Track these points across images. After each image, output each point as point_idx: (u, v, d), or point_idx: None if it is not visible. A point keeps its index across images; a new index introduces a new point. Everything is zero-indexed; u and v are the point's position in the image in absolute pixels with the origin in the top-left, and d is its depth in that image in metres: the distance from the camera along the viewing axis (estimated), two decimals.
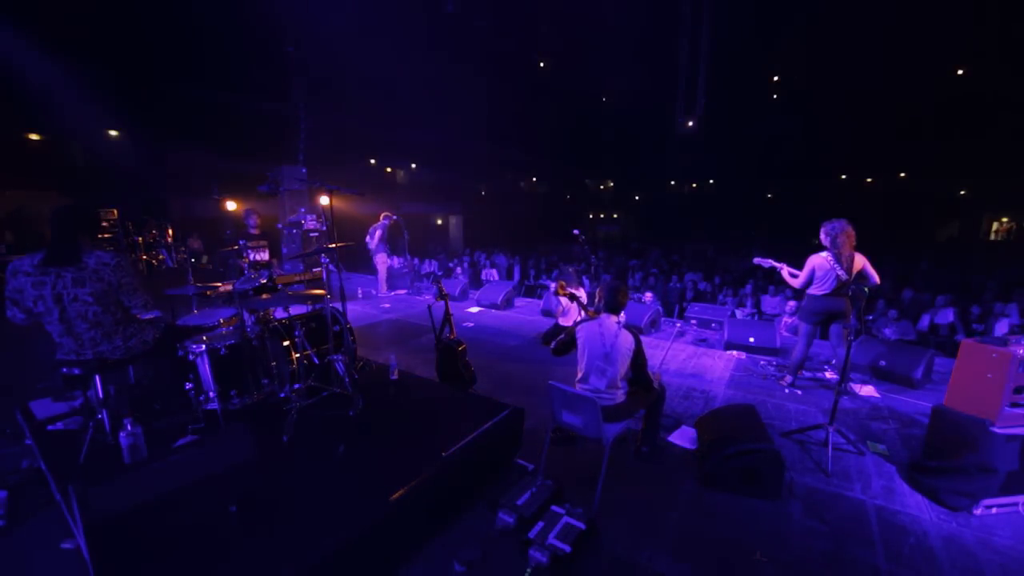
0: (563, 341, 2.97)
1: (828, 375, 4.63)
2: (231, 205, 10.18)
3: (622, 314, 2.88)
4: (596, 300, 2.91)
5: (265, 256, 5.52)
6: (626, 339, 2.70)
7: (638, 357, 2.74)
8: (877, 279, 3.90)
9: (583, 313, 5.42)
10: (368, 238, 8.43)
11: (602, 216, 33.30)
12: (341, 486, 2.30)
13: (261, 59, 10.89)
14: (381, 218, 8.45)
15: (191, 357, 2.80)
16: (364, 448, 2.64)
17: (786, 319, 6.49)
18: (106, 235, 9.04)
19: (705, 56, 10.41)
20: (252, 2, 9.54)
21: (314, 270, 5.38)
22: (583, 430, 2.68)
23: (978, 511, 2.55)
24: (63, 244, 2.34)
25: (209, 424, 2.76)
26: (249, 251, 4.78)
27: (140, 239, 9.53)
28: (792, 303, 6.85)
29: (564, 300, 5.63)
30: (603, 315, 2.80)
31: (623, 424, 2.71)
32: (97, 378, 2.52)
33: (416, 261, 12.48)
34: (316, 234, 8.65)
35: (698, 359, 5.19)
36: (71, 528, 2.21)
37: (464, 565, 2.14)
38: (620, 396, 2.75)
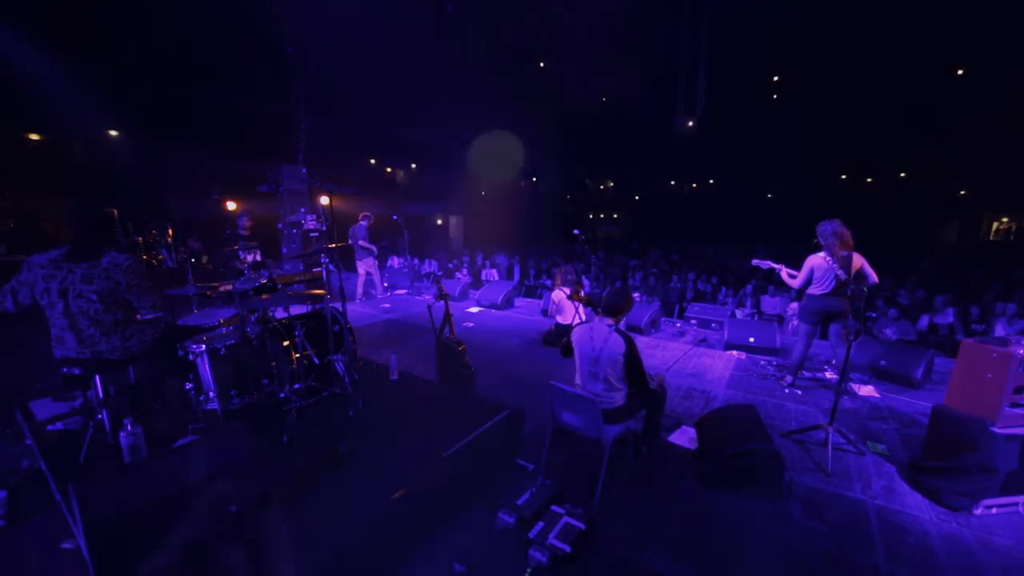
0: (565, 343, 2.96)
1: (828, 375, 4.63)
2: (231, 205, 10.18)
3: (620, 318, 2.79)
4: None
5: (257, 257, 5.52)
6: (616, 342, 2.61)
7: (631, 360, 2.63)
8: (875, 278, 3.89)
9: (579, 312, 5.45)
10: (351, 240, 7.95)
11: (602, 216, 33.29)
12: (341, 486, 2.30)
13: (261, 59, 10.88)
14: (360, 218, 7.96)
15: (191, 357, 2.80)
16: (364, 448, 2.64)
17: (793, 321, 6.48)
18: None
19: (705, 56, 10.41)
20: (252, 2, 9.54)
21: (314, 270, 5.38)
22: (583, 430, 2.68)
23: (978, 511, 2.55)
24: (92, 245, 2.45)
25: (209, 424, 2.76)
26: (241, 251, 4.79)
27: (140, 239, 9.50)
28: (795, 304, 6.84)
29: (556, 298, 5.64)
30: (597, 318, 2.75)
31: (623, 425, 2.70)
32: (97, 378, 2.52)
33: (416, 261, 12.47)
34: (316, 234, 8.62)
35: (698, 359, 5.19)
36: (71, 528, 2.21)
37: (464, 565, 2.14)
38: (619, 399, 2.72)
